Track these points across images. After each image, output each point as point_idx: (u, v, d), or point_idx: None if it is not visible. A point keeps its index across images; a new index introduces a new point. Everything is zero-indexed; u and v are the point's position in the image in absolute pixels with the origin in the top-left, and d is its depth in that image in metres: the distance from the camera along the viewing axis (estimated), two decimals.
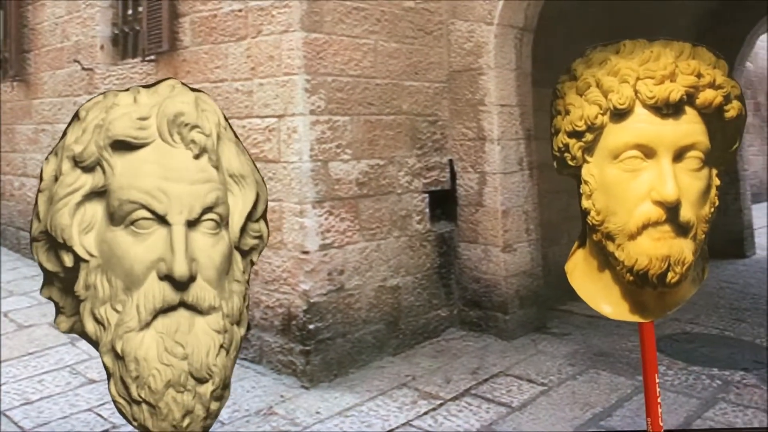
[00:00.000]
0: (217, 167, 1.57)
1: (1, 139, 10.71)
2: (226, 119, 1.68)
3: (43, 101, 9.56)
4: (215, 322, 1.52)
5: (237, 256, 1.65)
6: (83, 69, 8.48)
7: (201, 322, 1.51)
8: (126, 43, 8.13)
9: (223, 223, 1.58)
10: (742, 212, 10.73)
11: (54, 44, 9.31)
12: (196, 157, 1.54)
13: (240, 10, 6.07)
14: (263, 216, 1.73)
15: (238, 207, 1.64)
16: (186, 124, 1.53)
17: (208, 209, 1.53)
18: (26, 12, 10.01)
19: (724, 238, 9.90)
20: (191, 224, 1.51)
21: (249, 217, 1.67)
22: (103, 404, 5.04)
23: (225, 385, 1.55)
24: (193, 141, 1.53)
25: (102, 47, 8.29)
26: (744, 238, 10.69)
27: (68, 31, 8.94)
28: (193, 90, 1.64)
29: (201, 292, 1.50)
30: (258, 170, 1.73)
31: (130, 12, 8.03)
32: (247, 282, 1.68)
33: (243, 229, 1.66)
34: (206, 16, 6.43)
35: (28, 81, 9.95)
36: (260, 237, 1.73)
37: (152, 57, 7.21)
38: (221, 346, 1.52)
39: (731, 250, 10.14)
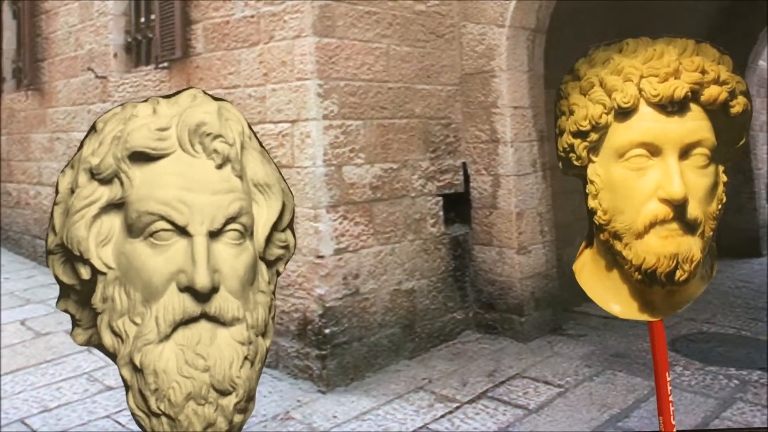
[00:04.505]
0: (241, 177, 1.55)
1: (17, 148, 10.78)
2: (251, 128, 1.67)
3: (57, 110, 9.61)
4: (239, 333, 1.49)
5: (262, 266, 1.62)
6: (97, 77, 8.52)
7: (224, 334, 1.48)
8: (139, 50, 8.18)
9: (247, 233, 1.55)
10: (757, 211, 10.69)
11: (67, 53, 9.37)
12: (219, 167, 1.52)
13: (252, 16, 6.09)
14: (290, 225, 1.71)
15: (264, 217, 1.62)
16: (208, 134, 1.51)
17: (231, 219, 1.50)
18: (39, 21, 10.07)
19: (740, 237, 9.90)
20: (214, 235, 1.49)
21: (275, 227, 1.65)
22: (120, 411, 5.07)
23: (249, 398, 1.52)
24: (215, 151, 1.51)
25: (115, 55, 8.34)
26: (759, 237, 10.66)
27: (82, 40, 8.99)
28: (216, 99, 1.64)
29: (224, 303, 1.48)
30: (284, 179, 1.71)
31: (143, 20, 8.08)
32: (273, 293, 1.66)
33: (269, 239, 1.64)
34: (219, 22, 6.46)
35: (43, 90, 10.01)
36: (286, 247, 1.70)
37: (165, 64, 7.25)
38: (245, 358, 1.49)
39: (747, 250, 10.12)
